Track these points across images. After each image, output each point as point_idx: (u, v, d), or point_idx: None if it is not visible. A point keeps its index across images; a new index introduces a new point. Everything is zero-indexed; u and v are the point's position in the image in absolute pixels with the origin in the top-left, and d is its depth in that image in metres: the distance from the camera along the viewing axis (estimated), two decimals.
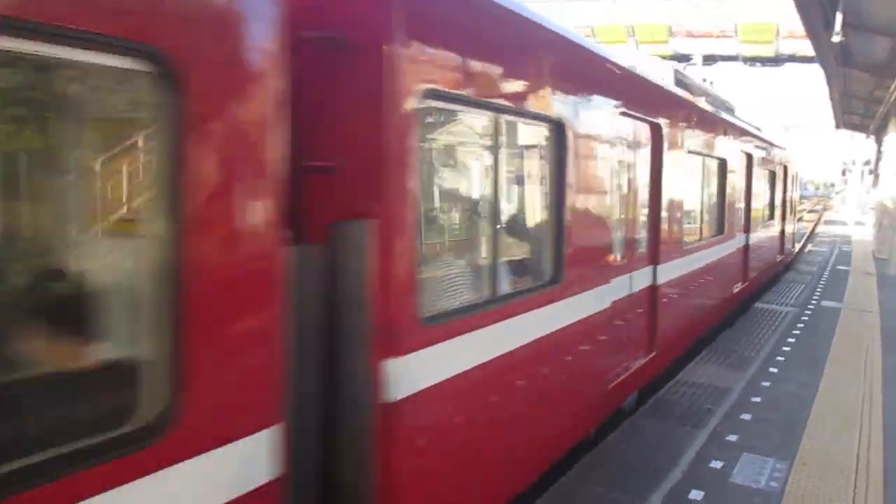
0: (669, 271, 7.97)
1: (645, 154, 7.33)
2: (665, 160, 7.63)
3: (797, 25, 18.53)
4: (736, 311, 12.37)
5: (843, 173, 64.14)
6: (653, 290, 7.50)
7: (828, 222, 46.26)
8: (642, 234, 7.38)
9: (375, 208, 3.31)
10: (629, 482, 5.46)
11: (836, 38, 12.52)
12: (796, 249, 23.69)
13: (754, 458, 5.95)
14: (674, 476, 5.58)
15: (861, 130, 34.43)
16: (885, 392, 7.96)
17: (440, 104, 3.88)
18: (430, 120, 4.12)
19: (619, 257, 6.61)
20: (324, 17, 3.38)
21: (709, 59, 30.56)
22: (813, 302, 14.00)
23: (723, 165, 10.84)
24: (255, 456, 2.71)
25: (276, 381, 2.82)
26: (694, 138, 9.07)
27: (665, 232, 7.82)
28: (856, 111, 28.20)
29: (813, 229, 36.60)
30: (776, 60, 31.44)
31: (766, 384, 8.13)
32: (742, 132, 12.46)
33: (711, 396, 7.62)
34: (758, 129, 15.10)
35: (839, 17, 12.03)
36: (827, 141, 59.78)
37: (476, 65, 4.08)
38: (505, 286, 4.65)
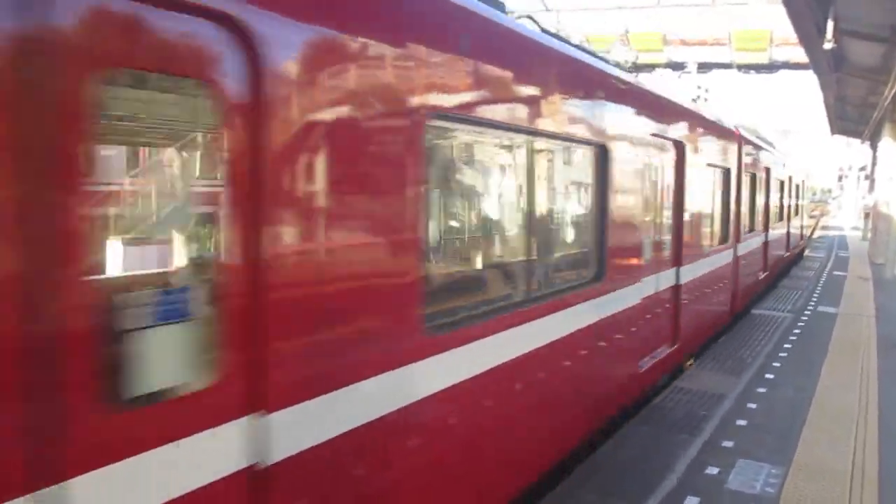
0: (774, 231, 17.03)
1: (762, 184, 14.83)
2: (770, 186, 15.88)
3: (790, 32, 18.62)
4: (785, 269, 20.25)
5: (840, 179, 64.32)
6: (765, 244, 15.73)
7: (825, 228, 46.34)
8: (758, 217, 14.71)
9: None
10: (625, 489, 5.46)
11: (828, 45, 12.58)
12: (809, 238, 33.50)
13: (750, 464, 5.95)
14: (669, 483, 5.58)
15: (856, 136, 34.51)
16: (881, 396, 7.96)
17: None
18: None
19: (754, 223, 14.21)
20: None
21: (703, 67, 30.69)
22: (810, 307, 14.02)
23: (785, 183, 19.37)
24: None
25: None
26: (777, 173, 17.18)
27: (771, 218, 16.36)
28: (850, 117, 28.31)
29: (810, 235, 36.70)
30: (770, 67, 31.53)
31: (762, 390, 8.14)
32: (788, 164, 20.16)
33: (707, 403, 7.62)
34: (789, 155, 22.94)
35: (831, 23, 12.11)
36: (823, 146, 59.99)
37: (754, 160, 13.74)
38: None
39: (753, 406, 7.53)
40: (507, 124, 4.54)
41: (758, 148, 14.43)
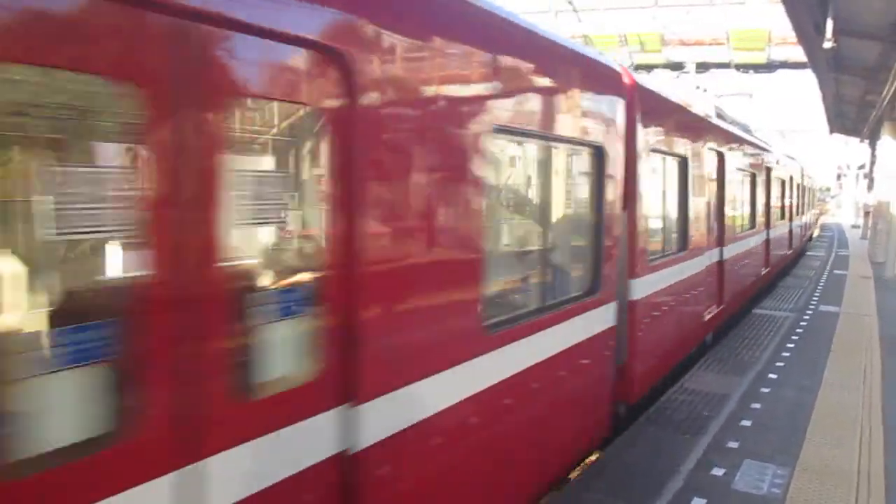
0: (807, 215, 29.45)
1: (803, 189, 25.44)
2: (805, 190, 27.61)
3: (789, 32, 18.63)
4: (799, 253, 25.35)
5: (839, 178, 64.29)
6: (805, 223, 27.89)
7: (824, 227, 46.38)
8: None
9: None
10: (631, 490, 5.44)
11: (827, 45, 12.57)
12: (815, 230, 39.60)
13: (756, 465, 5.94)
14: (675, 483, 5.57)
15: (854, 135, 34.51)
16: (886, 396, 7.95)
17: None
18: None
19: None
20: None
21: (701, 67, 30.65)
22: (811, 306, 14.01)
23: (804, 189, 25.47)
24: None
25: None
26: (807, 183, 27.14)
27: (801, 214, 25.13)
28: (849, 115, 28.31)
29: (815, 222, 38.01)
30: (769, 66, 31.51)
31: (766, 390, 8.13)
32: (805, 173, 26.26)
33: (711, 403, 7.61)
34: (805, 165, 29.21)
35: (830, 22, 12.10)
36: (822, 145, 59.95)
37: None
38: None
39: (758, 406, 7.52)
40: None
41: (802, 169, 25.73)
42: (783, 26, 20.59)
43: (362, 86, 3.14)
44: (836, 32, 12.35)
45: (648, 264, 7.29)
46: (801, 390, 8.10)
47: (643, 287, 7.07)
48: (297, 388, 2.95)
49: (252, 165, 3.30)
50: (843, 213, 54.21)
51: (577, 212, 6.08)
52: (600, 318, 5.96)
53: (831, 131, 36.25)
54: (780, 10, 13.74)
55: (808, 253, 27.36)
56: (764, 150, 16.23)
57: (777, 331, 11.53)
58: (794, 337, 11.06)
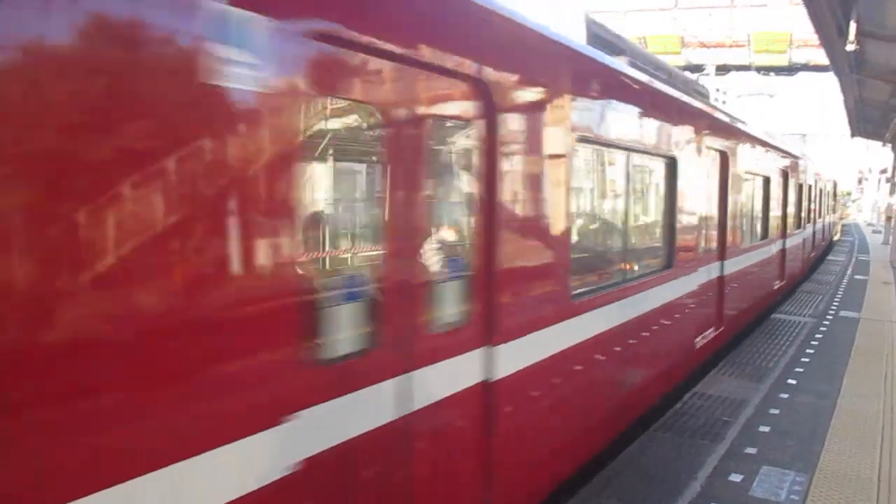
0: (833, 215, 36.57)
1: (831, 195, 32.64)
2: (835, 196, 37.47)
3: (811, 34, 18.47)
4: (827, 245, 30.05)
5: (860, 182, 63.68)
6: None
7: (845, 232, 45.91)
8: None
9: None
10: (647, 496, 5.41)
11: (850, 47, 12.42)
12: (838, 228, 43.59)
13: (774, 471, 5.88)
14: (692, 489, 5.52)
15: (877, 139, 34.09)
16: None
17: None
18: None
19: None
20: None
21: (722, 69, 30.47)
22: (831, 312, 13.85)
23: (834, 194, 32.07)
24: None
25: None
26: (834, 188, 34.97)
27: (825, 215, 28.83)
28: (871, 119, 27.97)
29: (839, 222, 38.76)
30: (790, 69, 31.25)
31: (785, 396, 8.04)
32: (821, 176, 26.31)
33: (729, 408, 7.54)
34: (824, 172, 30.32)
35: (853, 25, 11.96)
36: (843, 149, 59.35)
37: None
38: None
39: (776, 412, 7.44)
40: None
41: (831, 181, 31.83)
42: (805, 28, 20.41)
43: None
44: (859, 35, 12.21)
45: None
46: (821, 396, 8.01)
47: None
48: None
49: None
50: (863, 216, 53.62)
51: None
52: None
53: (853, 135, 35.84)
54: (803, 11, 13.60)
55: (829, 257, 27.10)
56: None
57: (796, 336, 11.42)
58: (813, 342, 10.94)
